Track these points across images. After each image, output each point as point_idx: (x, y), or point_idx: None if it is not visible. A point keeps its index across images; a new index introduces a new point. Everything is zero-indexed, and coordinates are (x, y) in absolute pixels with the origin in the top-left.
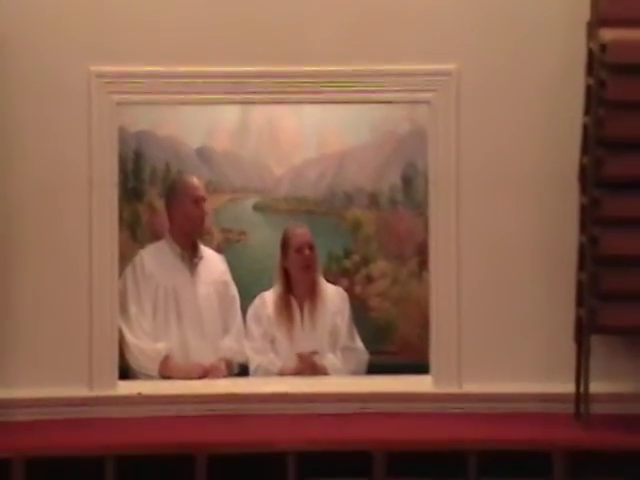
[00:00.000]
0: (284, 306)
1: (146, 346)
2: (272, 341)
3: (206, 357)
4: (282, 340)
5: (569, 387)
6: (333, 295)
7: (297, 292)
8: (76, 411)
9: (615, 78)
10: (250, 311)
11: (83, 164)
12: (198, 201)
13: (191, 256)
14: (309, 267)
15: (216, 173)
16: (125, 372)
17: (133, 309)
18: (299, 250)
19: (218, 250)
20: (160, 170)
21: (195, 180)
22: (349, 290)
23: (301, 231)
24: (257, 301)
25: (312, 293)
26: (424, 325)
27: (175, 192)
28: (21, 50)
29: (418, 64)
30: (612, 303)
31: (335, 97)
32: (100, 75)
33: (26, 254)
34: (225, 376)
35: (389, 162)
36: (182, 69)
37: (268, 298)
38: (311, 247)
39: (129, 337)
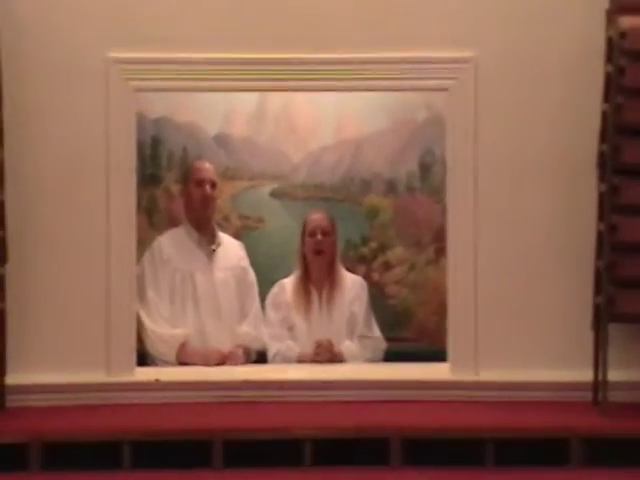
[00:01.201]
0: (302, 292)
1: (164, 332)
2: (290, 328)
3: (224, 343)
4: (300, 326)
5: (587, 375)
6: (352, 283)
7: (314, 278)
8: (94, 397)
9: (634, 65)
10: (269, 298)
11: (101, 150)
12: (201, 183)
13: (209, 242)
14: (321, 252)
15: (234, 159)
16: (143, 358)
17: (151, 295)
18: (312, 234)
19: (236, 236)
20: (177, 156)
21: (203, 163)
22: (366, 277)
23: (317, 216)
24: (276, 288)
25: (330, 280)
26: (441, 312)
27: (186, 177)
28: (40, 36)
29: (436, 51)
30: (630, 291)
31: (353, 84)
32: (118, 61)
33: (44, 240)
34: (242, 363)
35: (406, 148)
36: (200, 56)
37: (287, 285)
38: (325, 232)
39: (147, 323)
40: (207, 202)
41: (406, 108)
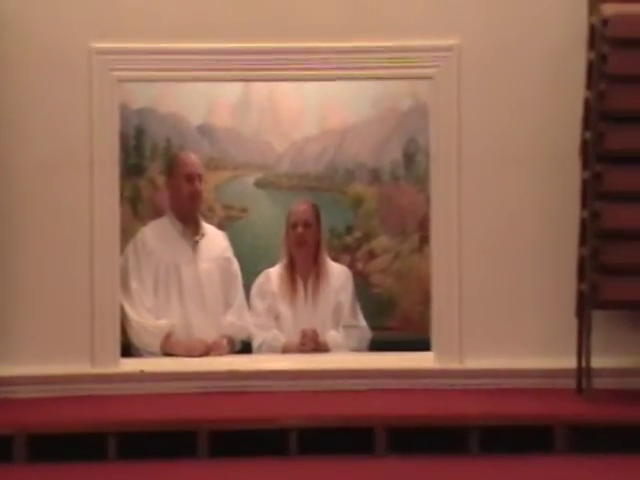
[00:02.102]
0: (288, 281)
1: (148, 323)
2: (276, 317)
3: (208, 333)
4: (286, 315)
5: (571, 362)
6: (337, 273)
7: (299, 268)
8: (78, 388)
9: (616, 52)
10: (254, 287)
11: (84, 141)
12: (191, 178)
13: (193, 233)
14: (302, 244)
15: (217, 150)
16: (127, 349)
17: (134, 286)
18: (294, 226)
19: (220, 227)
20: (161, 147)
21: (190, 156)
22: (351, 266)
23: (299, 207)
24: (261, 277)
25: (316, 270)
26: (426, 301)
27: (172, 169)
28: (22, 27)
29: (419, 40)
30: (613, 277)
31: (336, 73)
32: (101, 52)
33: (27, 231)
34: (227, 353)
35: (390, 138)
36: (183, 46)
37: (273, 274)
38: (307, 224)
39: (131, 314)
40: (196, 197)
41: (390, 97)
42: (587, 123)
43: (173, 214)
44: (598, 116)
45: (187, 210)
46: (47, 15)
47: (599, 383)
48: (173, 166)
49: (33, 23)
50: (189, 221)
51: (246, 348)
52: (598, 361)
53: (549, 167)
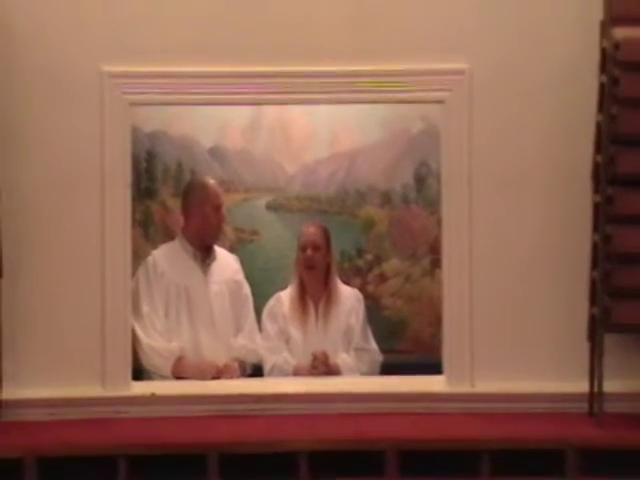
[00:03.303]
0: (299, 304)
1: (159, 346)
2: (287, 340)
3: (219, 356)
4: (297, 338)
5: (583, 386)
6: (348, 296)
7: (310, 291)
8: (89, 411)
9: (628, 76)
10: (265, 310)
11: (96, 164)
12: (219, 208)
13: (204, 256)
14: (311, 267)
15: (229, 172)
16: (138, 372)
17: (146, 309)
18: (303, 249)
19: (231, 250)
20: (173, 169)
21: (216, 186)
22: (362, 289)
23: (309, 230)
24: (272, 300)
25: (327, 293)
26: (437, 324)
27: (194, 195)
28: (34, 50)
29: (431, 63)
30: (625, 301)
31: (348, 97)
32: (113, 75)
33: (39, 255)
34: (238, 376)
35: (402, 160)
36: (195, 69)
37: (284, 297)
38: (316, 247)
39: (142, 337)
40: (222, 226)
41: (401, 120)
42: (598, 146)
43: (185, 237)
44: (609, 139)
45: (208, 237)
46: (59, 38)
47: (611, 407)
48: (196, 192)
49: (45, 46)
50: (202, 245)
51: (257, 372)
52: (610, 385)
53: (560, 190)
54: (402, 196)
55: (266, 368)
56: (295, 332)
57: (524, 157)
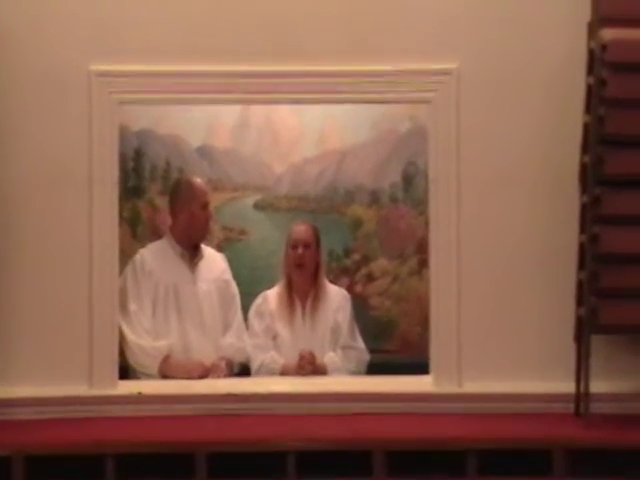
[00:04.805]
0: (286, 302)
1: (146, 344)
2: (274, 338)
3: (207, 355)
4: (284, 336)
5: (569, 386)
6: (335, 295)
7: (298, 289)
8: (76, 410)
9: (615, 77)
10: (252, 308)
11: (84, 162)
12: (207, 206)
13: (192, 255)
14: (301, 265)
15: (217, 171)
16: (125, 371)
17: (133, 307)
18: (294, 247)
19: (219, 249)
20: (161, 168)
21: (202, 184)
22: (349, 288)
23: (300, 228)
24: (259, 299)
25: (314, 291)
26: (424, 324)
27: (181, 194)
28: (22, 49)
29: (418, 64)
30: (612, 302)
31: (336, 97)
32: (101, 74)
33: (26, 253)
34: (225, 375)
35: (390, 160)
36: (183, 68)
37: (270, 295)
38: (307, 245)
39: (129, 335)
40: (209, 224)
41: (389, 119)
42: (586, 147)
43: (172, 236)
44: (597, 140)
45: (196, 236)
46: (47, 37)
47: (597, 408)
48: (183, 191)
49: (34, 45)
50: (189, 244)
51: (244, 371)
52: (596, 386)
53: (548, 190)
54: (390, 196)
55: (254, 366)
56: (282, 330)
57: (511, 157)
